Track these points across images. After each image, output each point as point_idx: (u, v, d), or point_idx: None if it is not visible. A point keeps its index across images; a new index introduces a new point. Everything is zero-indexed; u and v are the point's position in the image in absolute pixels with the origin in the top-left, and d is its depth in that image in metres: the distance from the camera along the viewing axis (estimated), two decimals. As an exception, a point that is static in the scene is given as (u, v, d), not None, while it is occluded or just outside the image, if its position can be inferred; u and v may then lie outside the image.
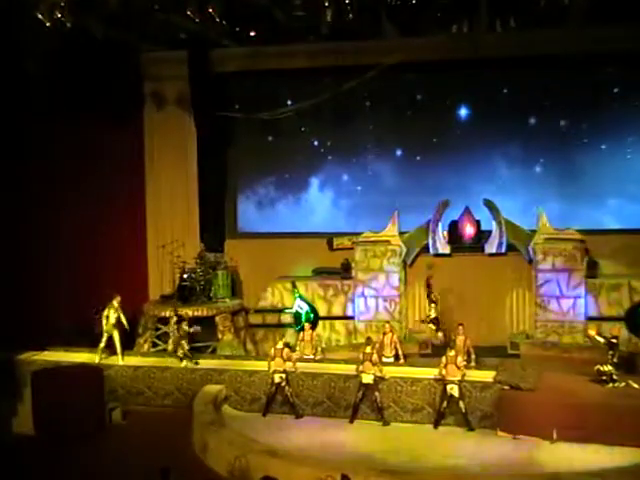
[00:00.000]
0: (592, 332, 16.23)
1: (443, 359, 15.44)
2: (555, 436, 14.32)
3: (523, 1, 15.71)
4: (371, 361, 15.79)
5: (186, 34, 19.43)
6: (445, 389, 15.26)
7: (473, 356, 16.72)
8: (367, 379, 15.73)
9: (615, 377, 15.17)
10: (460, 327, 16.98)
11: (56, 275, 20.92)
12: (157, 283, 23.14)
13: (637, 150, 21.71)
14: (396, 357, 17.60)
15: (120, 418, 16.46)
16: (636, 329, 20.12)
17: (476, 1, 15.85)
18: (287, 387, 16.20)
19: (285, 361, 16.27)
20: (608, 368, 15.21)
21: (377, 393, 15.74)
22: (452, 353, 15.41)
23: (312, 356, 18.04)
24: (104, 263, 21.67)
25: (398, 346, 17.75)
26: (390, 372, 16.20)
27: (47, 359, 18.23)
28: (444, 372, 15.28)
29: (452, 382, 15.14)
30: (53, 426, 15.10)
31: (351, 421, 15.93)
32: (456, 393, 15.13)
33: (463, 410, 15.19)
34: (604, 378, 15.21)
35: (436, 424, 15.53)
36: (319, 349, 18.53)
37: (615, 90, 21.66)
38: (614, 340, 15.45)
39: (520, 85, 21.95)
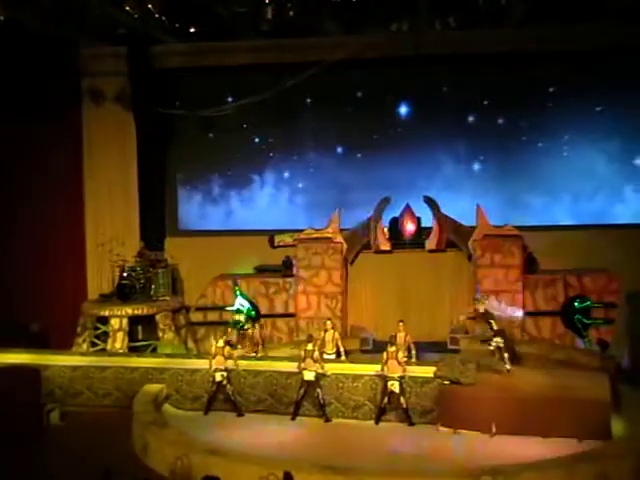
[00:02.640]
0: (462, 317, 16.79)
1: (384, 355, 15.51)
2: (494, 429, 14.50)
3: (462, 1, 15.82)
4: (313, 358, 15.79)
5: (126, 30, 19.17)
6: (386, 385, 15.33)
7: (414, 352, 16.79)
8: (309, 376, 15.74)
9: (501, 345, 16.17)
10: (401, 323, 17.03)
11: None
12: (96, 282, 22.79)
13: (573, 148, 22.09)
14: (337, 354, 17.62)
15: (58, 419, 16.19)
16: (571, 323, 20.55)
17: (416, 0, 15.94)
18: (228, 385, 16.13)
19: (226, 359, 16.19)
20: (497, 340, 16.14)
21: (319, 390, 15.76)
22: (393, 349, 15.48)
23: (254, 354, 17.97)
24: (41, 262, 21.27)
25: (339, 343, 17.76)
26: (332, 369, 16.23)
27: (-18, 360, 17.87)
28: (385, 368, 15.34)
29: (393, 378, 15.21)
30: (-12, 428, 14.80)
31: (293, 418, 15.92)
32: (397, 389, 15.20)
33: (404, 406, 15.28)
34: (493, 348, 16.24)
35: (377, 420, 15.60)
36: (260, 347, 18.47)
37: (551, 89, 22.00)
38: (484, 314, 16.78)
39: (459, 83, 22.14)
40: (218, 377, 16.08)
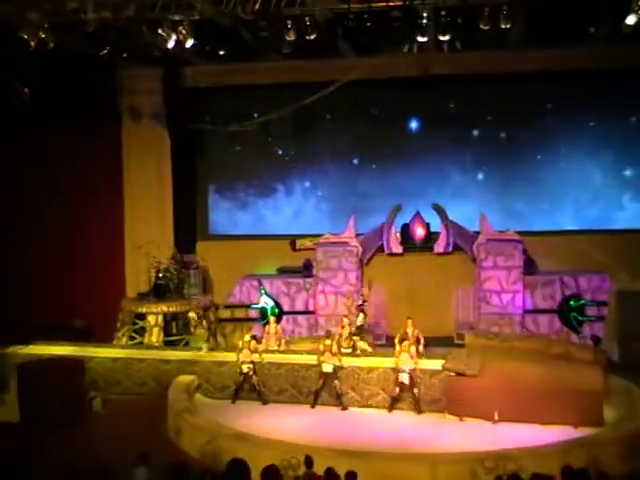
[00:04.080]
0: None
1: (397, 348, 15.58)
2: (497, 417, 14.54)
3: (467, 25, 15.84)
4: (331, 352, 15.88)
5: (160, 52, 19.29)
6: (398, 377, 15.40)
7: (422, 341, 16.85)
8: (327, 368, 15.83)
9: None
10: (409, 320, 17.12)
11: (40, 275, 20.68)
12: (134, 281, 22.93)
13: (569, 160, 22.07)
14: (353, 348, 17.69)
15: (100, 407, 16.36)
16: (567, 320, 20.54)
17: (425, 25, 15.95)
18: (254, 376, 16.25)
19: (252, 352, 16.31)
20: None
21: (336, 381, 15.84)
22: (406, 343, 15.56)
23: (277, 347, 18.09)
24: (85, 263, 21.44)
25: (355, 338, 17.84)
26: (348, 361, 16.32)
27: (31, 352, 18.04)
28: (398, 361, 15.41)
29: (404, 371, 15.28)
30: (38, 415, 14.96)
31: (313, 406, 16.01)
32: (406, 380, 15.27)
33: (417, 395, 15.33)
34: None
35: (390, 408, 15.68)
36: (283, 341, 18.58)
37: (548, 106, 22.00)
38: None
39: (465, 100, 22.20)
40: (245, 369, 16.20)
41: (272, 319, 19.11)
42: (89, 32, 16.54)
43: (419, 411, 15.39)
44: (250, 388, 16.40)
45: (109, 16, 15.81)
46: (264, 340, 18.21)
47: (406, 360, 15.36)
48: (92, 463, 9.40)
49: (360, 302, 20.11)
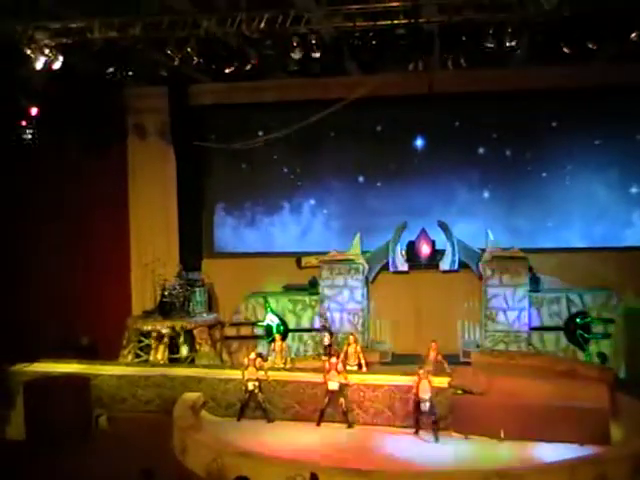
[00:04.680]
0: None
1: (417, 376, 15.34)
2: (503, 435, 14.50)
3: (472, 43, 15.95)
4: (336, 370, 15.87)
5: (166, 71, 19.47)
6: (419, 404, 15.20)
7: (446, 365, 16.72)
8: (333, 386, 15.81)
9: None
10: (433, 343, 16.96)
11: (46, 292, 20.78)
12: (140, 299, 23.00)
13: (574, 177, 22.07)
14: (359, 366, 17.68)
15: (105, 424, 16.37)
16: (573, 338, 20.50)
17: (430, 43, 16.07)
18: (260, 394, 16.24)
19: (258, 370, 16.31)
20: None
21: (342, 399, 15.81)
22: (422, 371, 15.34)
23: (283, 365, 18.08)
24: (91, 281, 21.55)
25: (361, 355, 17.83)
26: (354, 379, 16.31)
27: (38, 370, 18.02)
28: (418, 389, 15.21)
29: (425, 399, 15.08)
30: (43, 432, 14.97)
31: (318, 424, 15.98)
32: (427, 409, 15.10)
33: (434, 419, 15.18)
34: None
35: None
36: (289, 359, 18.56)
37: (553, 124, 21.96)
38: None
39: (470, 118, 22.21)
40: (250, 387, 16.20)
41: (277, 337, 19.11)
42: (95, 51, 16.76)
43: (435, 438, 15.11)
44: (256, 406, 16.39)
45: (115, 35, 16.00)
46: (270, 357, 18.21)
47: (425, 388, 15.12)
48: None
49: (323, 322, 20.23)
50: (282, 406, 16.55)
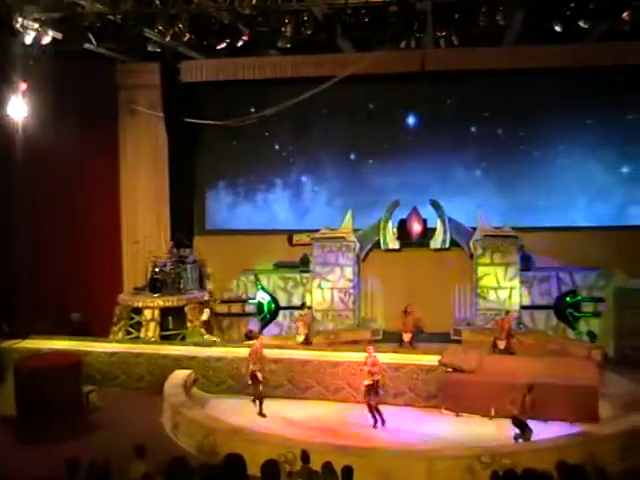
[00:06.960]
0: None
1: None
2: (493, 413, 14.57)
3: (465, 21, 15.85)
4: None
5: (158, 47, 19.32)
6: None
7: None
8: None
9: None
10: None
11: (37, 269, 20.63)
12: (131, 276, 22.93)
13: (567, 156, 22.01)
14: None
15: (97, 400, 16.31)
16: (563, 317, 20.60)
17: (423, 21, 15.95)
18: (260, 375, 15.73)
19: (260, 357, 15.83)
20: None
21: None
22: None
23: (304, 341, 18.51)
24: (82, 257, 21.40)
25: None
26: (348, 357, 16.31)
27: (29, 347, 18.03)
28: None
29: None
30: (34, 408, 14.90)
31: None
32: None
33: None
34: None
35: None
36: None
37: (545, 103, 21.82)
38: None
39: (462, 97, 22.15)
40: (259, 377, 15.56)
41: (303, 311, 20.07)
42: (86, 26, 16.57)
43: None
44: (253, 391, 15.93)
45: (106, 10, 15.80)
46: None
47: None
48: (90, 456, 9.36)
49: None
50: (273, 384, 16.33)
